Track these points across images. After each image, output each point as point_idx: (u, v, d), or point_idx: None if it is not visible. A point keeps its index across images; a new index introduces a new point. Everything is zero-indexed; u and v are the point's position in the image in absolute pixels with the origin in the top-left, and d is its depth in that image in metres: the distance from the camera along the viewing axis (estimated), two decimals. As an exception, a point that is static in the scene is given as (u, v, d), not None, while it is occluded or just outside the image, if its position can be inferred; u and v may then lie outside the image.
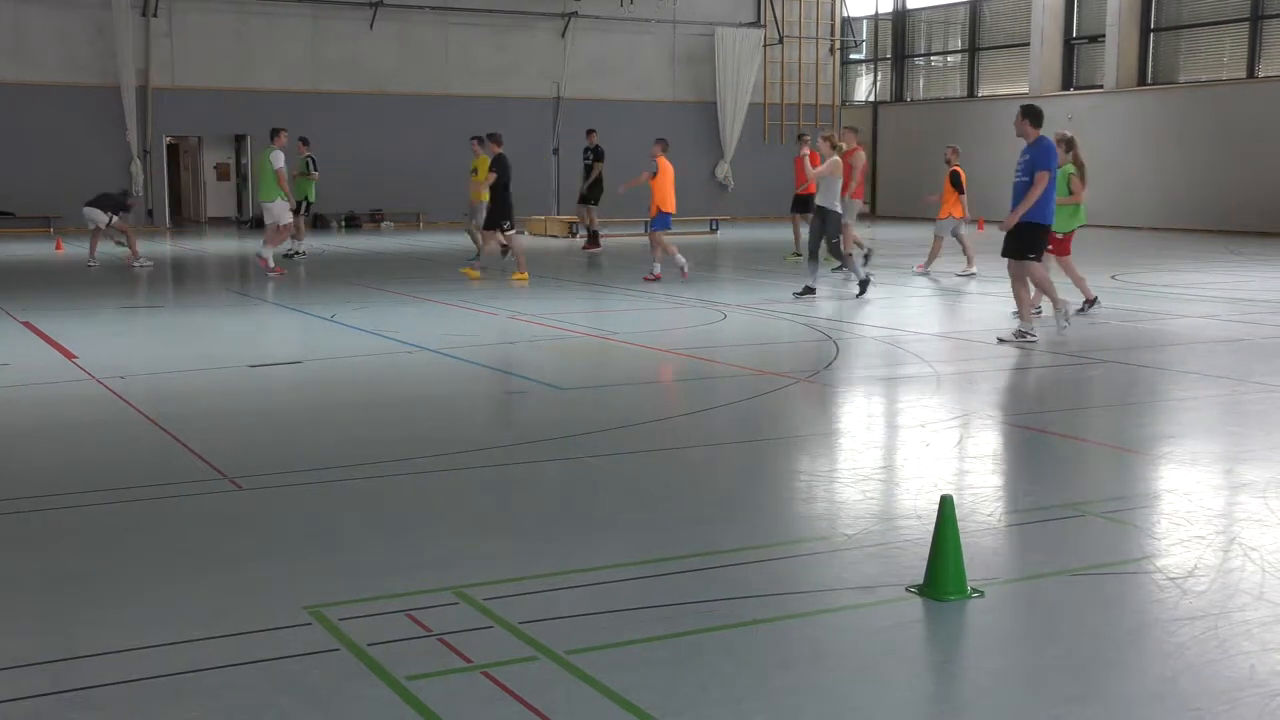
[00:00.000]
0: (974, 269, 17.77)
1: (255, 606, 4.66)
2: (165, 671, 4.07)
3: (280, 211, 18.85)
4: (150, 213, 29.87)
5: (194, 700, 3.87)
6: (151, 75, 29.30)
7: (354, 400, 8.99)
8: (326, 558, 5.28)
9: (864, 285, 15.03)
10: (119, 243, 20.93)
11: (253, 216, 30.63)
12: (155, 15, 29.09)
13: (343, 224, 30.91)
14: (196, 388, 9.48)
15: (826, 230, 15.06)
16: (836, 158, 14.88)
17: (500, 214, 17.24)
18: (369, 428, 8.05)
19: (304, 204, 22.58)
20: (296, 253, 21.27)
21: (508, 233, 17.75)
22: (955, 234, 18.20)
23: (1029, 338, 11.31)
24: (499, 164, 17.39)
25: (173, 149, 32.54)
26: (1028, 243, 11.50)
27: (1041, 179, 11.20)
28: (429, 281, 17.41)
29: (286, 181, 19.08)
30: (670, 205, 17.39)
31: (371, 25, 31.14)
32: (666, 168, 17.41)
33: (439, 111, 31.73)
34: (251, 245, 25.35)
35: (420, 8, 31.48)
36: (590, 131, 24.63)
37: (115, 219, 19.87)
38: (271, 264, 18.42)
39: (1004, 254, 11.75)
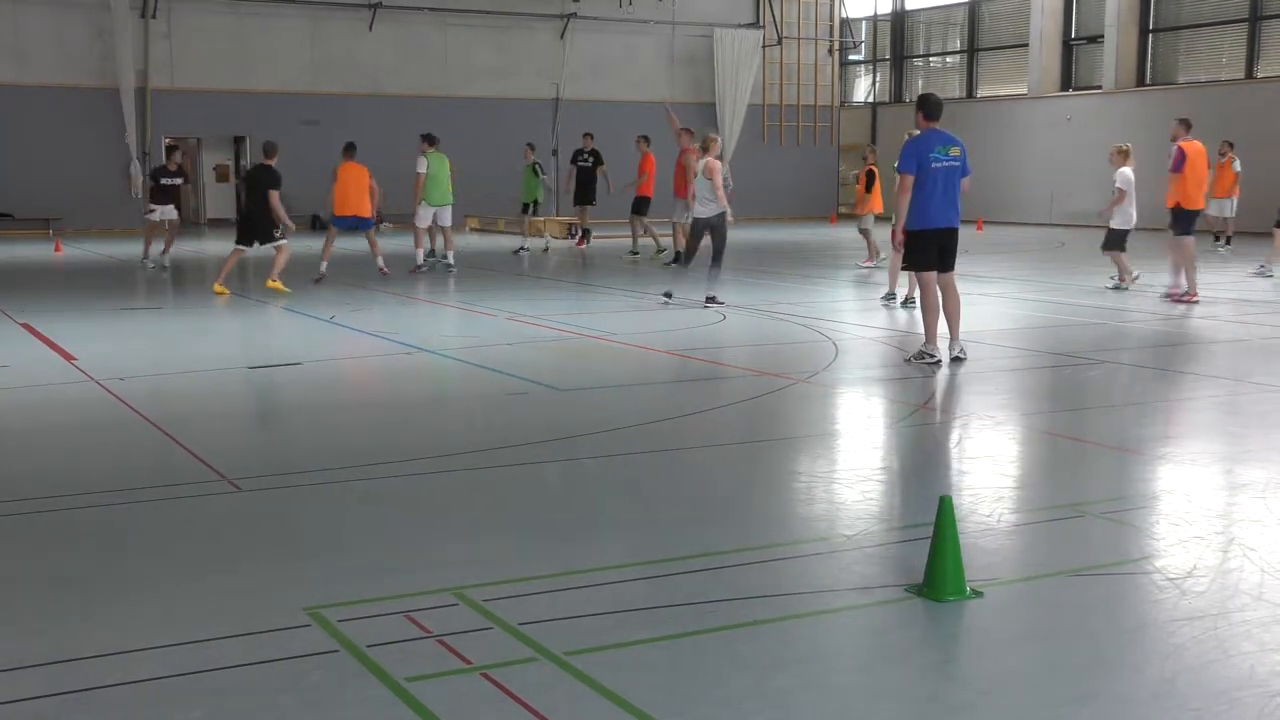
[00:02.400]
0: (873, 264, 18.91)
1: (255, 607, 4.66)
2: (166, 673, 4.07)
3: (447, 215, 19.51)
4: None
5: (194, 701, 3.87)
6: (150, 77, 29.32)
7: (353, 402, 8.99)
8: (326, 559, 5.28)
9: (669, 295, 14.62)
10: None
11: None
12: (154, 17, 29.11)
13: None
14: (196, 389, 9.48)
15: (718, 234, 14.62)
16: (710, 160, 14.38)
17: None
18: (368, 429, 8.05)
19: (532, 205, 23.13)
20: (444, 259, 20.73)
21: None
22: (863, 229, 19.08)
23: (930, 358, 10.14)
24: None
25: (172, 150, 32.49)
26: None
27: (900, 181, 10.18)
28: (428, 283, 17.41)
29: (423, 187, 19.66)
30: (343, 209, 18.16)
31: (370, 26, 31.16)
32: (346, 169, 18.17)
33: (438, 112, 31.70)
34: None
35: (419, 9, 31.49)
36: (587, 135, 24.62)
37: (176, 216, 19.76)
38: (421, 262, 19.08)
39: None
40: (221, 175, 32.94)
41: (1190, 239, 14.67)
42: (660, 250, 20.82)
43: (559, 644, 4.25)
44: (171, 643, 4.31)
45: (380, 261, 17.74)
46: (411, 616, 4.52)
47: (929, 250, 10.18)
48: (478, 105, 31.86)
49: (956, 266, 10.44)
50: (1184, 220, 14.79)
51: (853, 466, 6.97)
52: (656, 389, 9.50)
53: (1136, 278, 15.86)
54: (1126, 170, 15.38)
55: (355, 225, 18.12)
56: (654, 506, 6.20)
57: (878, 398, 9.31)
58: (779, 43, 36.04)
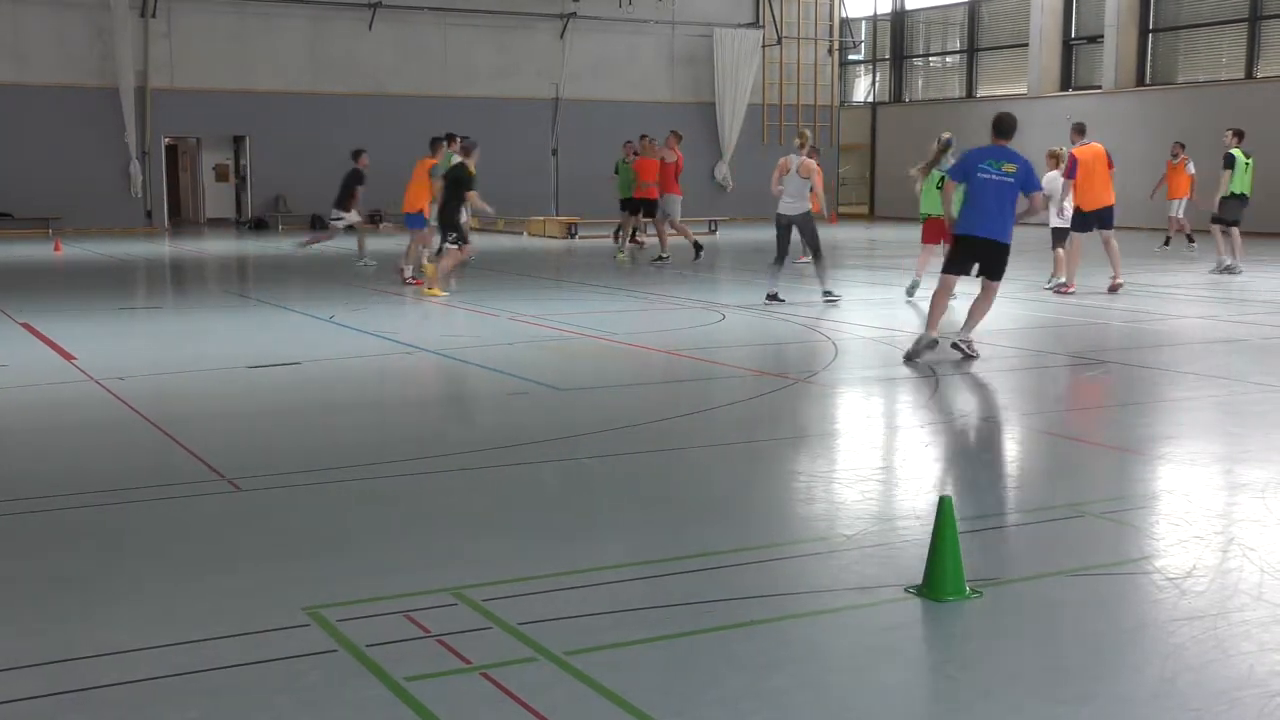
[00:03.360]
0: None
1: (254, 607, 4.65)
2: (164, 672, 4.07)
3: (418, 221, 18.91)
4: (149, 214, 29.87)
5: (193, 701, 3.87)
6: (150, 76, 29.31)
7: (352, 401, 8.99)
8: (325, 558, 5.28)
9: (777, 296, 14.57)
10: (311, 243, 21.09)
11: (252, 217, 30.66)
12: (154, 16, 29.10)
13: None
14: (195, 389, 9.47)
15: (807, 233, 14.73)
16: (802, 159, 14.45)
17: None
18: (368, 429, 8.05)
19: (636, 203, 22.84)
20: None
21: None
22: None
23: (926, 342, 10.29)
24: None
25: (171, 150, 32.53)
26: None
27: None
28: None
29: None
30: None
31: (370, 26, 31.16)
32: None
33: (438, 112, 31.70)
34: (251, 245, 25.36)
35: (419, 9, 31.48)
36: (628, 143, 24.21)
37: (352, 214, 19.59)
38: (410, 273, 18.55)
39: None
40: (221, 175, 32.95)
41: (1079, 237, 15.45)
42: (662, 255, 20.82)
43: (558, 644, 4.25)
44: (169, 642, 4.31)
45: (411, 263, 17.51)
46: (411, 616, 4.52)
47: (963, 256, 10.47)
48: (478, 105, 31.84)
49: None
50: (1078, 220, 15.48)
51: (852, 466, 6.97)
52: (656, 389, 9.50)
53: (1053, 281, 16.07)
54: (1051, 174, 15.71)
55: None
56: (653, 506, 6.20)
57: (877, 397, 9.31)
58: (779, 42, 36.03)
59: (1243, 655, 4.16)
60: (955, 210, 10.71)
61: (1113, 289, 15.37)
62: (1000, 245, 10.31)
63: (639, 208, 22.08)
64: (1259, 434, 7.75)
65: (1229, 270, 18.10)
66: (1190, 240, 23.20)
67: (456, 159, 16.42)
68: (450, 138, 18.91)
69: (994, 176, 10.20)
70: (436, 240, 16.80)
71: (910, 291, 15.10)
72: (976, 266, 10.54)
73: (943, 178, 14.11)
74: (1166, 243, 23.26)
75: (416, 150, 31.72)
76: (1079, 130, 15.69)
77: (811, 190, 14.42)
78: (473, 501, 6.32)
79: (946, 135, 14.66)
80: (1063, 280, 15.67)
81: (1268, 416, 8.29)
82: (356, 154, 19.55)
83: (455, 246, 15.60)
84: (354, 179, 19.14)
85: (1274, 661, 4.10)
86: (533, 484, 6.66)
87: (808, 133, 14.99)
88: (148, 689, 3.96)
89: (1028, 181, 10.26)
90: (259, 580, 5.00)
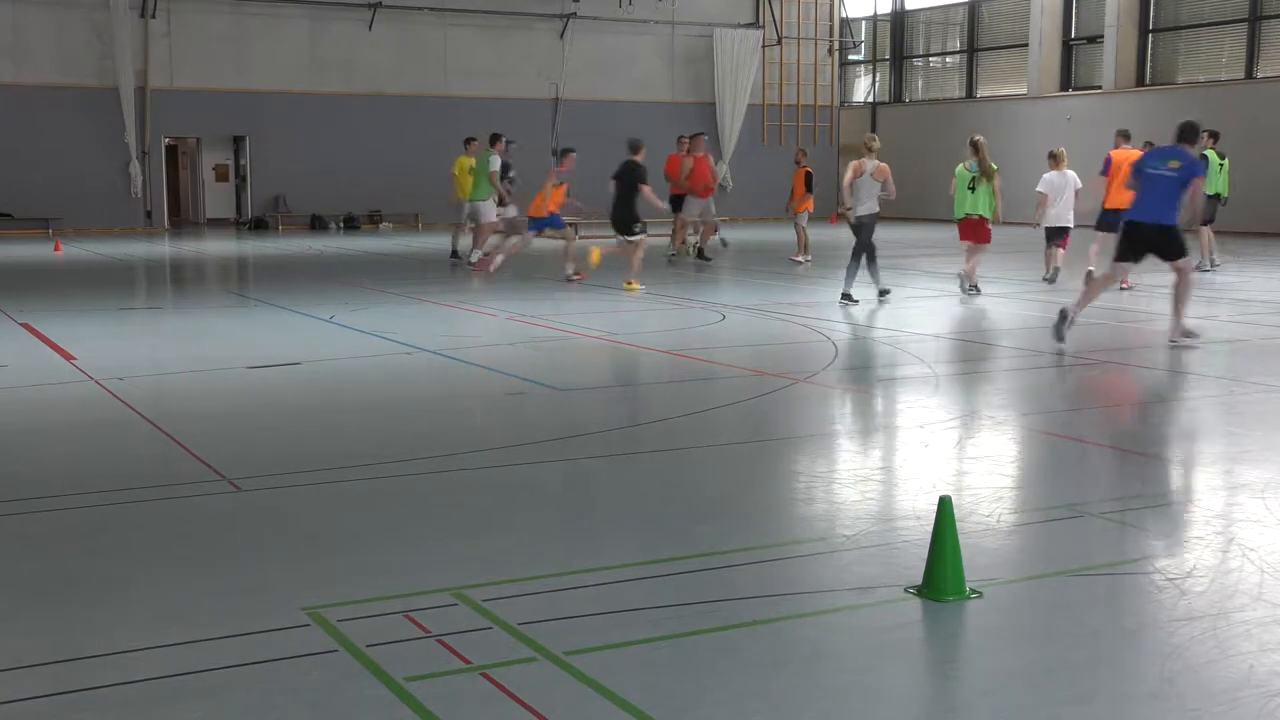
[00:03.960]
0: (808, 257, 20.20)
1: (254, 608, 4.66)
2: (165, 673, 4.07)
3: (487, 211, 19.56)
4: (149, 214, 29.87)
5: (194, 701, 3.87)
6: (150, 76, 29.30)
7: (353, 402, 8.99)
8: (325, 559, 5.29)
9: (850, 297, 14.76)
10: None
11: (252, 218, 30.66)
12: (154, 16, 29.10)
13: (341, 225, 30.93)
14: (195, 389, 9.48)
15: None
16: (879, 164, 14.89)
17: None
18: (368, 429, 8.05)
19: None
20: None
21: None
22: (801, 225, 20.04)
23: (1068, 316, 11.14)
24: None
25: (171, 150, 32.53)
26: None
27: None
28: (427, 283, 17.41)
29: (498, 182, 19.63)
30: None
31: (370, 26, 31.15)
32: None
33: (438, 112, 31.73)
34: (250, 246, 25.37)
35: (419, 9, 31.48)
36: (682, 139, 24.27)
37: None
38: (473, 259, 19.30)
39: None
40: (220, 175, 32.95)
41: (1103, 235, 15.94)
42: (673, 251, 20.90)
43: (558, 644, 4.25)
44: (170, 643, 4.31)
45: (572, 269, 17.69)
46: (411, 616, 4.52)
47: (1134, 244, 11.53)
48: (478, 105, 31.83)
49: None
50: (1104, 219, 16.11)
51: (852, 466, 6.97)
52: (656, 389, 9.50)
53: (1046, 279, 16.71)
54: (1048, 175, 16.47)
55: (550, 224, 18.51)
56: (653, 506, 6.20)
57: (877, 398, 9.31)
58: (779, 43, 36.03)
59: (1242, 655, 4.17)
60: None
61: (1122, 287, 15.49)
62: (1165, 227, 11.33)
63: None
64: (1259, 434, 7.75)
65: (1199, 269, 18.16)
66: None
67: (495, 157, 18.36)
68: (496, 138, 19.70)
69: (1160, 172, 11.31)
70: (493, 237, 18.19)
71: (963, 288, 15.44)
72: (1144, 256, 11.59)
73: (974, 178, 15.33)
74: None
75: (416, 151, 31.92)
76: (1124, 135, 16.63)
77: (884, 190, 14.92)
78: (472, 502, 6.33)
79: (979, 137, 15.70)
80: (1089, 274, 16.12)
81: (1267, 417, 8.29)
82: (564, 153, 19.30)
83: (637, 238, 16.72)
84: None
85: (1274, 661, 4.11)
86: (533, 484, 6.66)
87: (876, 139, 15.53)
88: (149, 689, 3.96)
89: (1186, 176, 11.27)
90: (259, 580, 5.00)
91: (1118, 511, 5.91)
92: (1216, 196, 18.85)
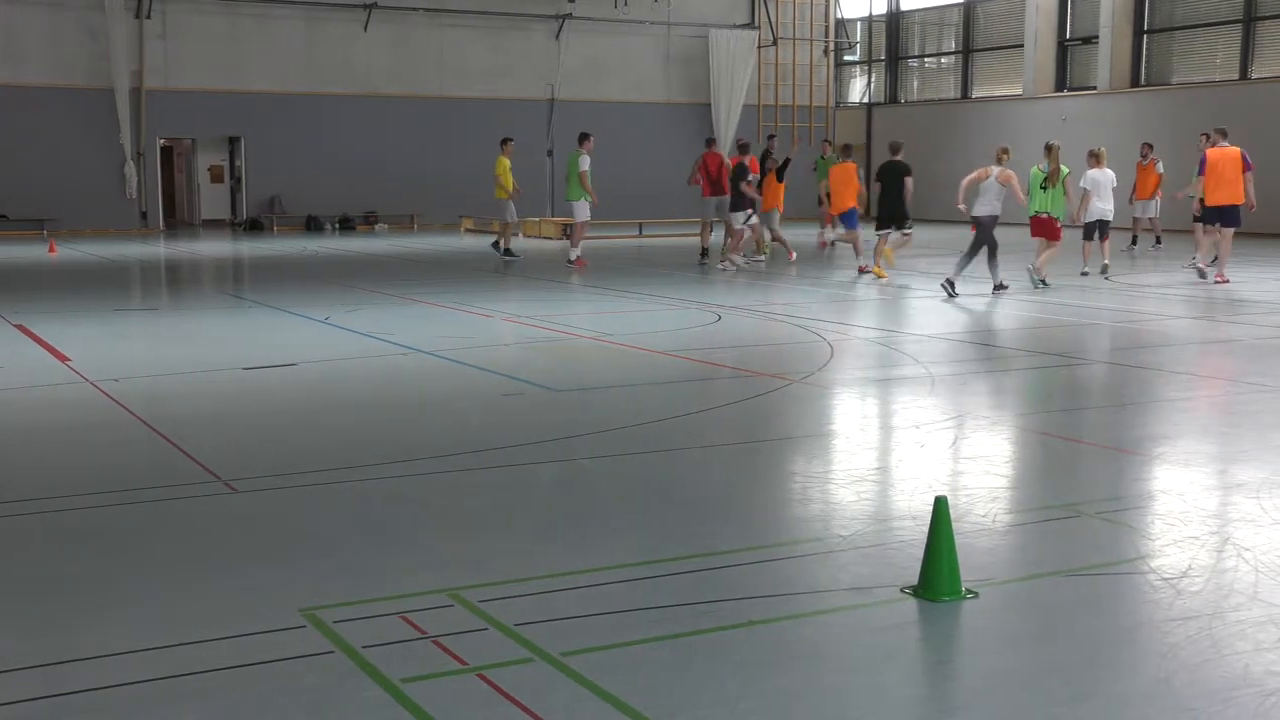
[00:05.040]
0: (761, 257, 20.76)
1: (250, 609, 4.65)
2: (160, 674, 4.07)
3: (581, 211, 20.27)
4: (144, 215, 29.85)
5: (189, 703, 3.87)
6: (145, 77, 29.28)
7: (349, 403, 8.98)
8: (321, 560, 5.28)
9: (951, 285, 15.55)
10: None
11: (247, 219, 30.64)
12: (149, 17, 29.08)
13: (336, 226, 30.91)
14: (191, 390, 9.47)
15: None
16: (1002, 169, 15.70)
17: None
18: (364, 430, 8.04)
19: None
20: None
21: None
22: (750, 224, 20.02)
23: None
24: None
25: (166, 151, 32.49)
26: None
27: None
28: (423, 283, 17.41)
29: (589, 183, 20.39)
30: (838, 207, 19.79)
31: (366, 27, 31.15)
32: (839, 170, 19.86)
33: (433, 113, 31.72)
34: (246, 247, 25.36)
35: (414, 9, 31.48)
36: (772, 138, 25.07)
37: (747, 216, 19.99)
38: (572, 258, 19.94)
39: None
40: (215, 176, 32.91)
41: (1202, 227, 17.44)
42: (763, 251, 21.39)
43: (555, 645, 4.25)
44: (165, 644, 4.31)
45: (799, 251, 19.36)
46: (407, 617, 4.52)
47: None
48: (473, 106, 31.85)
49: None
50: (1205, 213, 17.27)
51: (848, 467, 6.98)
52: (651, 389, 9.50)
53: (1085, 273, 17.64)
54: (1090, 172, 17.47)
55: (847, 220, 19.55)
56: (650, 507, 6.20)
57: (873, 398, 9.32)
58: (774, 43, 36.05)
59: (1238, 655, 4.17)
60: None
61: (1217, 280, 16.60)
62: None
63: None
64: (1254, 434, 7.77)
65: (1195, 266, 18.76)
66: (1158, 241, 23.30)
67: (584, 157, 19.59)
68: (584, 137, 20.51)
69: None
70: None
71: (1033, 282, 16.14)
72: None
73: (1046, 178, 16.17)
74: (1158, 241, 23.33)
75: (411, 152, 31.89)
76: (1221, 133, 17.24)
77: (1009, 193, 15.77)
78: (468, 502, 6.33)
79: (1054, 141, 16.86)
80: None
81: (1262, 416, 8.30)
82: (745, 148, 20.30)
83: (909, 233, 18.39)
84: (740, 174, 19.65)
85: (1269, 661, 4.11)
86: (529, 485, 6.66)
87: (1009, 150, 16.30)
88: (145, 691, 3.96)
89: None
90: (255, 582, 5.00)
91: (1113, 512, 5.92)
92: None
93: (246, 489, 6.39)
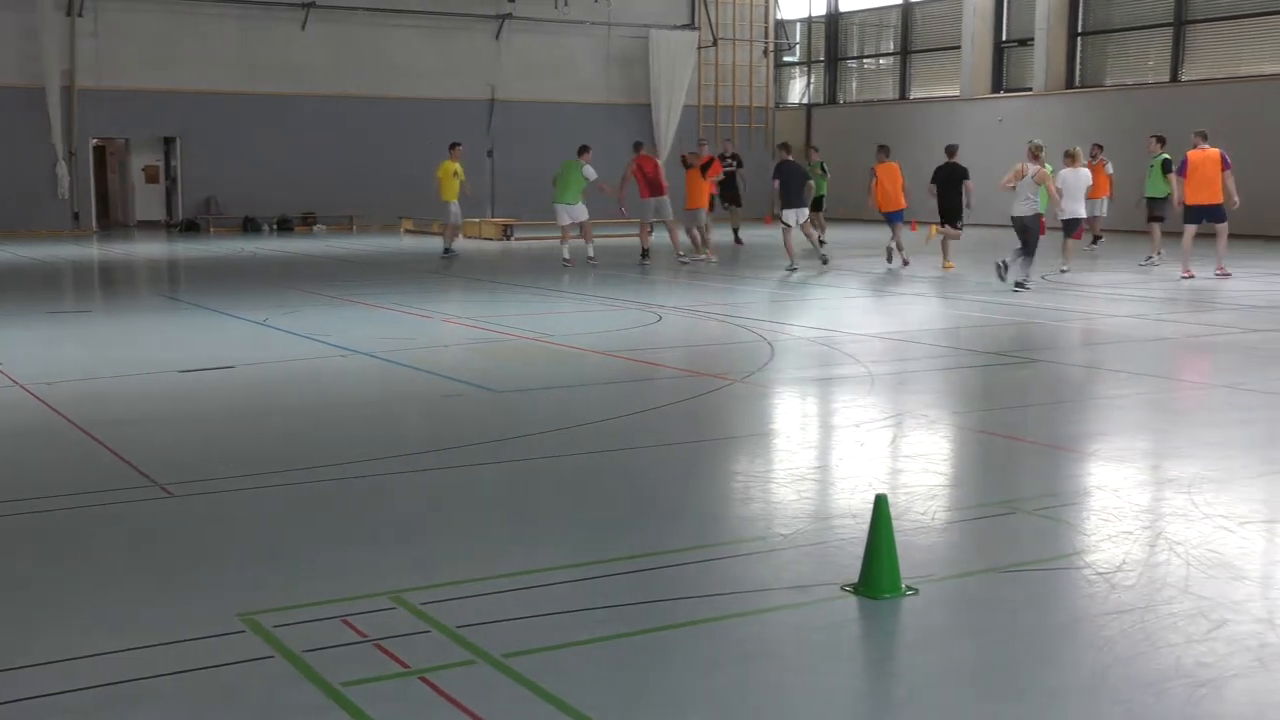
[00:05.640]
0: (714, 257, 20.94)
1: (187, 614, 4.60)
2: (98, 681, 4.01)
3: (582, 211, 20.57)
4: (76, 216, 29.41)
5: (128, 710, 3.82)
6: (77, 76, 28.83)
7: (287, 405, 8.91)
8: (260, 564, 5.23)
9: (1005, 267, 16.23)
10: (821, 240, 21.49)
11: (182, 220, 30.27)
12: (81, 15, 28.63)
13: (274, 227, 30.62)
14: (126, 393, 9.35)
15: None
16: (1038, 168, 16.16)
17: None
18: (302, 433, 7.98)
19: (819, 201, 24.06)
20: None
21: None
22: (700, 224, 20.74)
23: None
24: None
25: (100, 151, 32.01)
26: None
27: None
28: (362, 285, 17.29)
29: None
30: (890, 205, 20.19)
31: (304, 26, 30.88)
32: (886, 169, 20.42)
33: (372, 113, 31.50)
34: (181, 248, 25.05)
35: (352, 9, 31.24)
36: (728, 141, 26.12)
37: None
38: (567, 255, 20.30)
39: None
40: (150, 177, 32.48)
41: (1190, 227, 17.78)
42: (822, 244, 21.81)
43: (497, 646, 4.24)
44: (101, 651, 4.25)
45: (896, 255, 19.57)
46: (348, 621, 4.49)
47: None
48: (413, 106, 31.66)
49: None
50: (1187, 213, 17.78)
51: (789, 466, 7.01)
52: (593, 390, 9.50)
53: (1065, 270, 18.08)
54: (1063, 172, 18.04)
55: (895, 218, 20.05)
56: (591, 508, 6.20)
57: (813, 397, 9.37)
58: (714, 44, 36.14)
59: (1170, 647, 4.24)
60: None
61: (1219, 274, 17.39)
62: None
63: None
64: (1186, 430, 7.90)
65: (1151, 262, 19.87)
66: (1096, 240, 23.68)
67: (588, 167, 20.20)
68: (584, 149, 20.99)
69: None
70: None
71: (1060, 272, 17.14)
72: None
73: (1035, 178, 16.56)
74: (1095, 240, 23.65)
75: (350, 152, 31.64)
76: (1202, 135, 17.76)
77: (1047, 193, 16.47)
78: (410, 505, 6.30)
79: (1039, 142, 17.06)
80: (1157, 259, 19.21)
81: (1194, 413, 8.45)
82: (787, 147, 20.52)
83: (959, 229, 19.11)
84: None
85: (1200, 653, 4.19)
86: (470, 486, 6.64)
87: (1043, 146, 16.70)
88: (82, 699, 3.90)
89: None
90: (192, 586, 4.95)
91: (1050, 508, 6.00)
92: (1166, 198, 19.86)
93: (183, 492, 6.32)
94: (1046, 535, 5.62)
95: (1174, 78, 29.05)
